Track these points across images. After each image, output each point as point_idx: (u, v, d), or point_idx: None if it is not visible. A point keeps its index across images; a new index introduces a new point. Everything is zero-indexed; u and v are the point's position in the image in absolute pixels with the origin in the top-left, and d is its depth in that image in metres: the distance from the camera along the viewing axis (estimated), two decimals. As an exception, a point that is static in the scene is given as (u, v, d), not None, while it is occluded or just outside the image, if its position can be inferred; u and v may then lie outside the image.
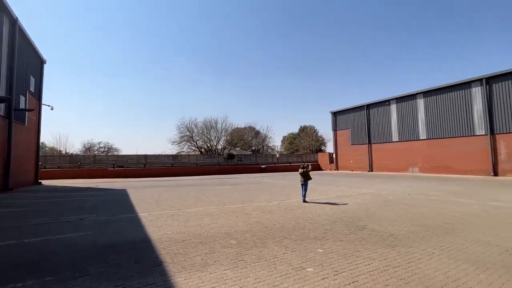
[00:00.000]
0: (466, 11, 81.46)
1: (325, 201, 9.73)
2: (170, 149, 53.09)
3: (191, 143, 43.37)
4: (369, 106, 31.39)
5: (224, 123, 44.29)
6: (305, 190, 9.73)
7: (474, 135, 22.08)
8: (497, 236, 5.23)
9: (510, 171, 19.90)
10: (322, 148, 65.82)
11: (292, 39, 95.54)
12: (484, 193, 11.38)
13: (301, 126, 67.03)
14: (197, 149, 43.70)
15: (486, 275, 3.51)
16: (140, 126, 79.20)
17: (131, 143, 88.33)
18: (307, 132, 63.30)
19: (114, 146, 46.25)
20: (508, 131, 20.19)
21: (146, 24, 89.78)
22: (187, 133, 42.52)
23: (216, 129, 43.68)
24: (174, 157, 32.96)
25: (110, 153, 41.59)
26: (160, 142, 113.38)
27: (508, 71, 20.23)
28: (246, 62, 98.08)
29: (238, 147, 52.71)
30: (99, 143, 44.85)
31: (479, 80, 21.82)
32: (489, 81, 21.33)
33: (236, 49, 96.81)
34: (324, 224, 6.31)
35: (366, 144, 31.26)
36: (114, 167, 27.87)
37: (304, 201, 9.59)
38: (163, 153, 40.00)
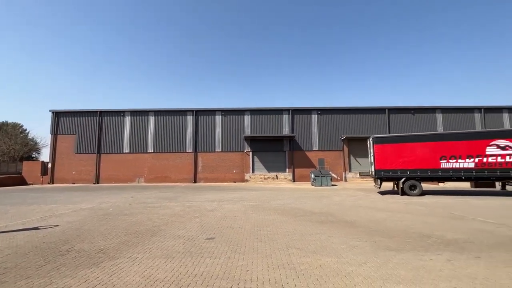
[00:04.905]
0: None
1: (20, 228, 7.22)
2: None
3: None
4: (102, 113, 29.38)
5: None
6: (-20, 216, 6.57)
7: (185, 152, 28.72)
8: (186, 229, 6.94)
9: (203, 179, 28.28)
10: (34, 156, 50.47)
11: None
12: (185, 196, 14.89)
13: (-3, 122, 46.67)
14: None
15: (174, 263, 4.43)
16: None
17: None
18: (7, 130, 45.20)
19: None
20: (204, 151, 28.74)
21: None
22: None
23: None
24: None
25: None
26: None
27: (208, 108, 29.23)
28: None
29: None
30: None
31: (191, 111, 29.19)
32: (197, 113, 29.27)
33: None
34: (6, 261, 4.57)
35: (95, 153, 28.63)
36: None
37: (-24, 233, 6.41)
38: None
